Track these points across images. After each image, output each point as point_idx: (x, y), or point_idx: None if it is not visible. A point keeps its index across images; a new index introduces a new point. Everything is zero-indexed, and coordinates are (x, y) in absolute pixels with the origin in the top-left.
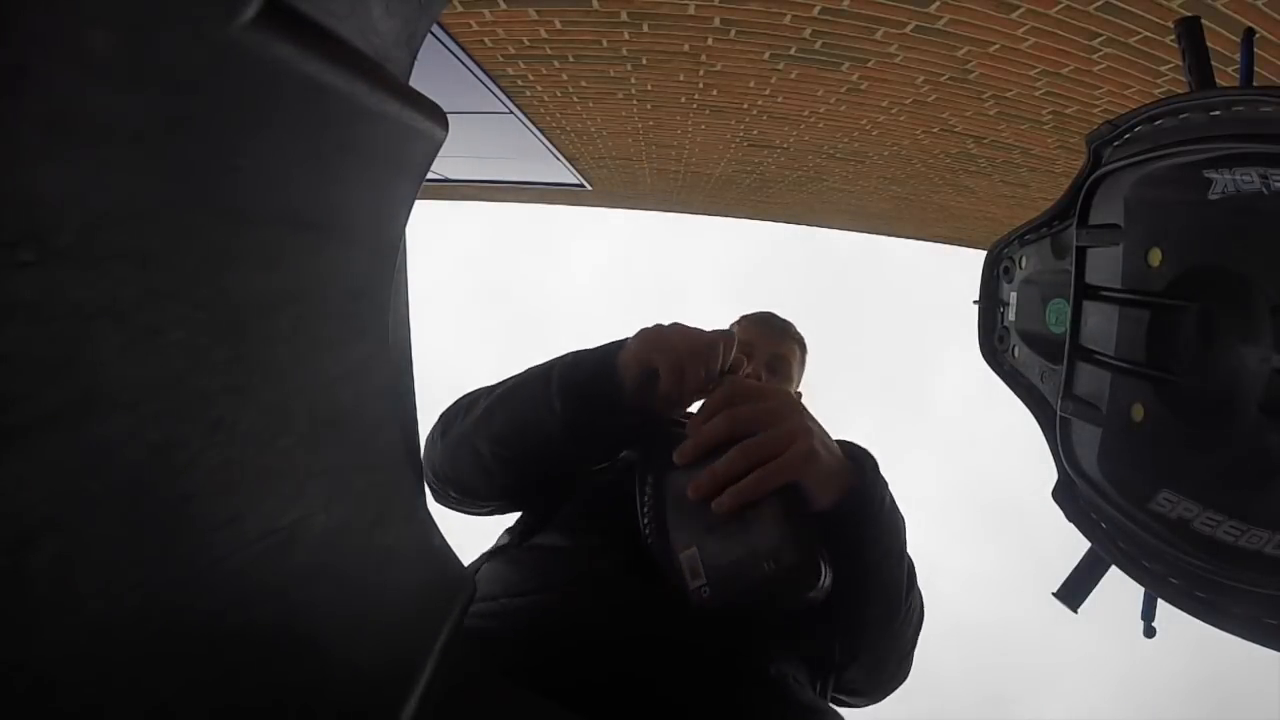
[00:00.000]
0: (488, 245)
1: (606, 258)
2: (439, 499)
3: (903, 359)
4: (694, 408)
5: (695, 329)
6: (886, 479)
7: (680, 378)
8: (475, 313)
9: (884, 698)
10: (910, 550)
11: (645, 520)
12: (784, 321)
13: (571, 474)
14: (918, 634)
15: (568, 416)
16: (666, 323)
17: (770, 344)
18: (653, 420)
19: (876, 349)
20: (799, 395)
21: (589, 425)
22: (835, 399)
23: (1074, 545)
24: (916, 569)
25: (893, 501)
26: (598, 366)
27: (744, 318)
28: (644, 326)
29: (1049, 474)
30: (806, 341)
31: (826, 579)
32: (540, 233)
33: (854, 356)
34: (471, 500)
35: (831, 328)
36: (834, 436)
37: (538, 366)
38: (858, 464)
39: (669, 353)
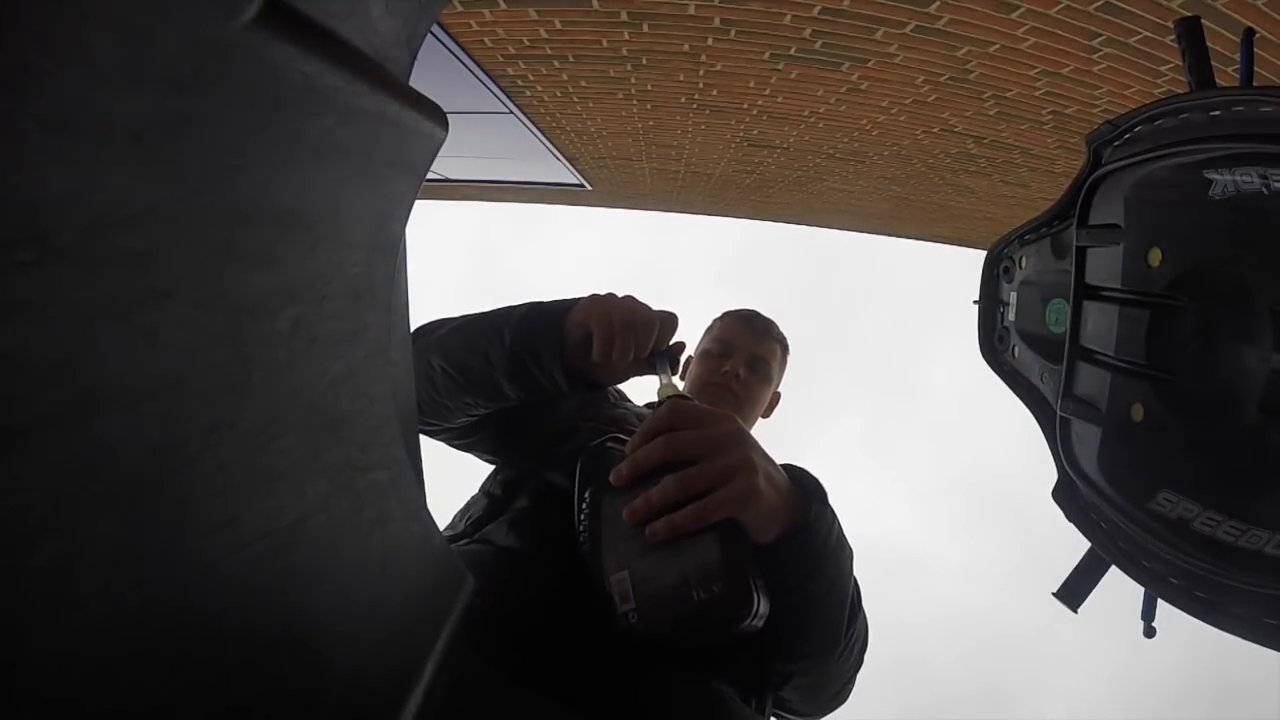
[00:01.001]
0: (487, 245)
1: (606, 256)
2: None
3: (898, 352)
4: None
5: (639, 304)
6: (835, 510)
7: (608, 347)
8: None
9: (823, 718)
10: (855, 574)
11: (582, 538)
12: (766, 320)
13: (512, 435)
14: (860, 662)
15: (511, 350)
16: (620, 294)
17: (751, 343)
18: (587, 384)
19: (872, 342)
20: (778, 396)
21: (524, 366)
22: (833, 389)
23: (1069, 535)
24: (862, 593)
25: (840, 534)
26: (552, 317)
27: (726, 314)
28: (595, 293)
29: (1044, 462)
30: (788, 342)
31: (760, 612)
32: (540, 232)
33: (849, 349)
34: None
35: (827, 322)
36: (780, 462)
37: (517, 304)
38: (804, 496)
39: (604, 321)
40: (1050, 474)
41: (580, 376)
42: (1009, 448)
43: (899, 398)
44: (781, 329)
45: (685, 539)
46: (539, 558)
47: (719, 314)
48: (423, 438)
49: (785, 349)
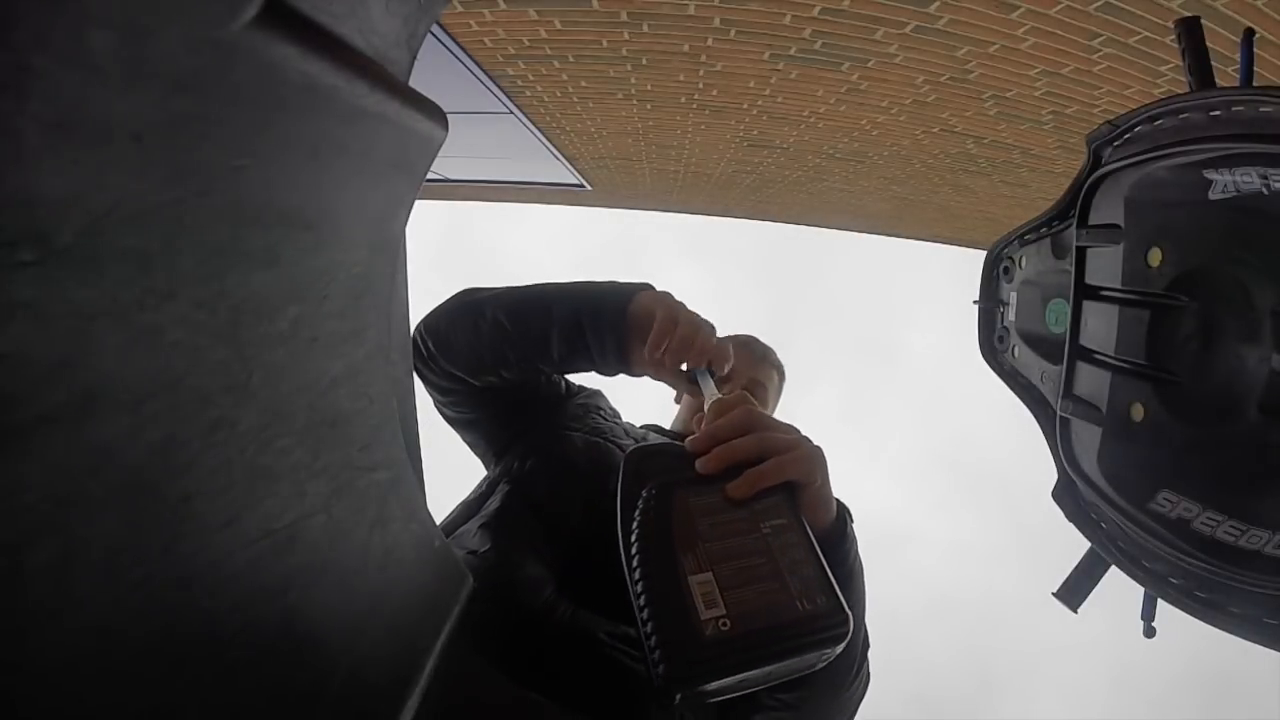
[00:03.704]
0: (487, 244)
1: (606, 255)
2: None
3: (877, 320)
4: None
5: (705, 325)
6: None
7: (663, 340)
8: None
9: None
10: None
11: (635, 536)
12: (764, 347)
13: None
14: (859, 704)
15: (574, 310)
16: (690, 305)
17: (749, 368)
18: (626, 367)
19: (850, 312)
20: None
21: (582, 328)
22: (809, 357)
23: (1056, 514)
24: (871, 641)
25: (861, 561)
26: (622, 293)
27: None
28: (668, 293)
29: (1030, 438)
30: (784, 369)
31: (849, 640)
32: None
33: (829, 322)
34: (440, 366)
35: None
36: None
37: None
38: (840, 510)
39: (668, 317)
40: (1042, 458)
41: (625, 356)
42: (992, 421)
43: (878, 367)
44: (778, 355)
45: (777, 549)
46: (517, 560)
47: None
48: (422, 436)
49: (782, 375)
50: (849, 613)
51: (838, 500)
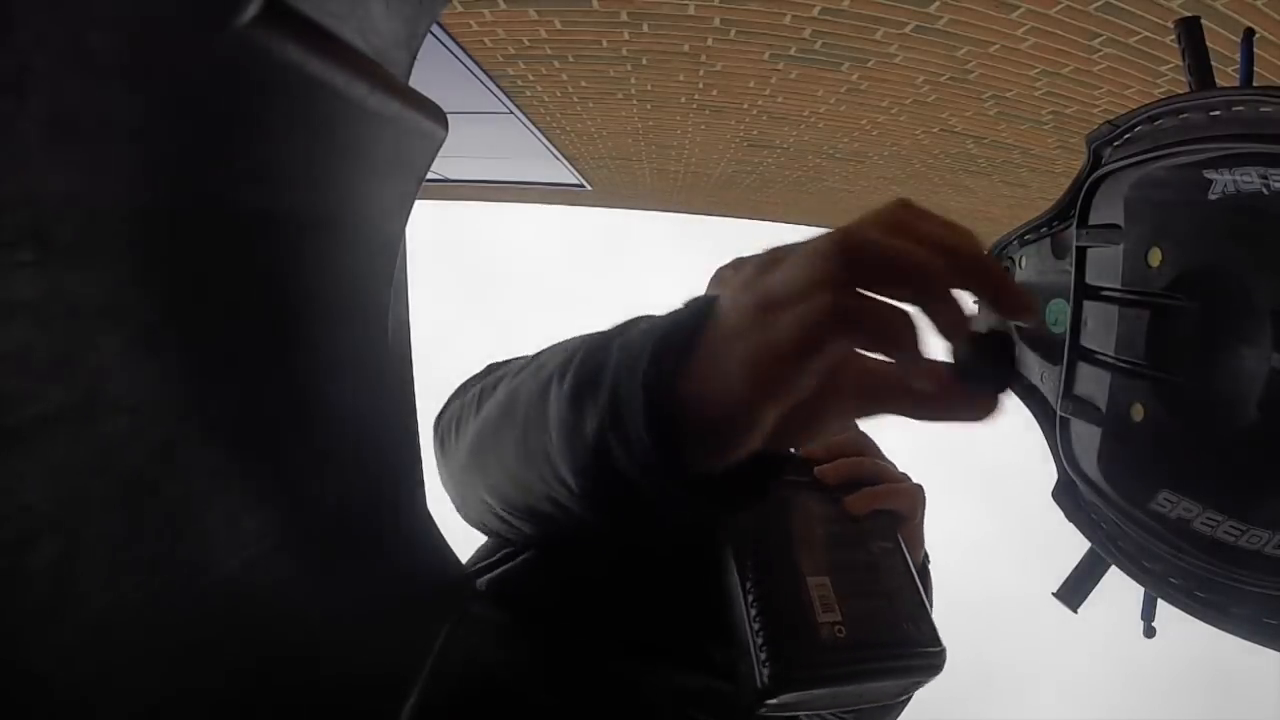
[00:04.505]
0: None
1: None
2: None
3: None
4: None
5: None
6: None
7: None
8: (475, 312)
9: None
10: None
11: (758, 530)
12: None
13: None
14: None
15: (586, 496)
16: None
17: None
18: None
19: None
20: None
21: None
22: None
23: (1057, 517)
24: None
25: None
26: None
27: (741, 261)
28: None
29: (1034, 444)
30: None
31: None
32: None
33: None
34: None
35: None
36: None
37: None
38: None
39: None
40: (1042, 458)
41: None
42: (991, 421)
43: None
44: None
45: (884, 570)
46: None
47: (727, 263)
48: (422, 436)
49: None
50: (944, 647)
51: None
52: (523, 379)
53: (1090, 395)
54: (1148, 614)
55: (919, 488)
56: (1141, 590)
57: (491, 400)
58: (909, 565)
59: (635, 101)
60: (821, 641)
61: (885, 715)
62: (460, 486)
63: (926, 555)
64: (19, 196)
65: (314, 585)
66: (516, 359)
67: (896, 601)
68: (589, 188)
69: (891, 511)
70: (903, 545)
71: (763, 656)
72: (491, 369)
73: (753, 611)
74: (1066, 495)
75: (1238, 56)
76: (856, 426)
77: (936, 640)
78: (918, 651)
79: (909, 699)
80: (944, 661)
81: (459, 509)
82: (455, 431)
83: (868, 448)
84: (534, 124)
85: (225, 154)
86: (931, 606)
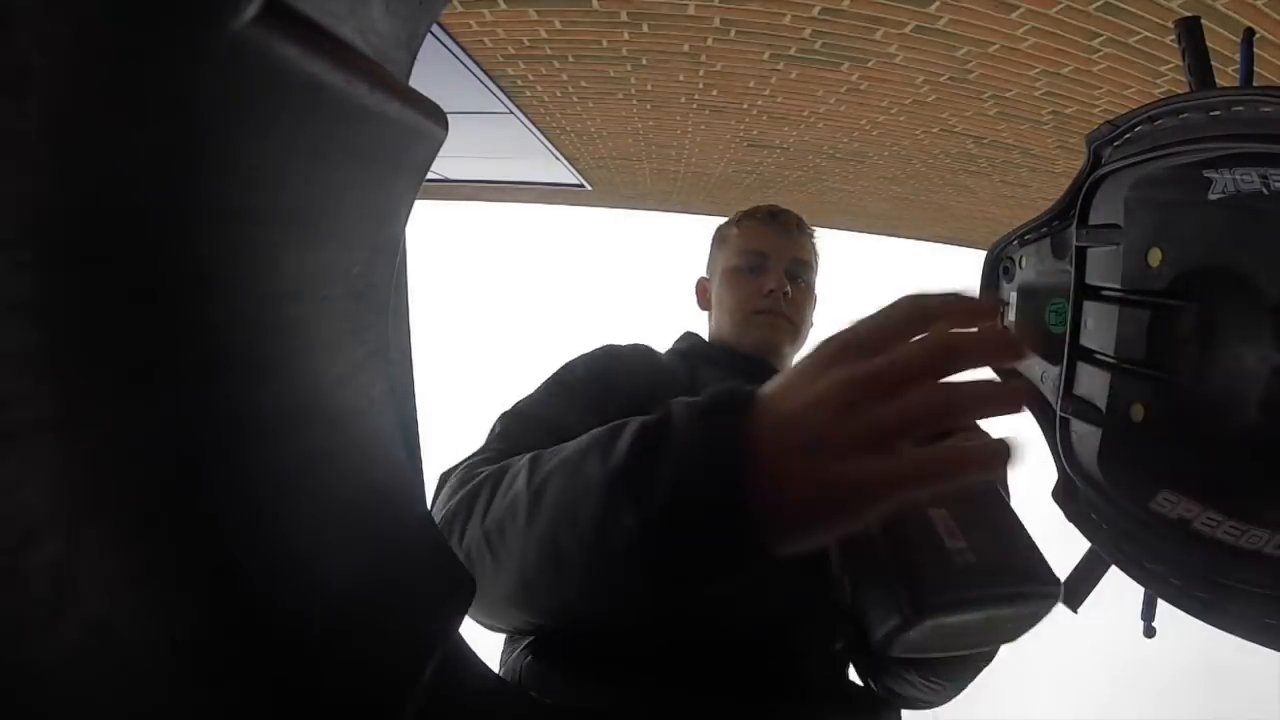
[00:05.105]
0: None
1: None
2: None
3: None
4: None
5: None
6: None
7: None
8: (475, 312)
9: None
10: None
11: None
12: (793, 215)
13: None
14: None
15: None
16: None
17: (787, 246)
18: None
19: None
20: (818, 299)
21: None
22: None
23: (1057, 517)
24: None
25: None
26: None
27: (744, 216)
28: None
29: (1034, 444)
30: (817, 235)
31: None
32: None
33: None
34: None
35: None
36: None
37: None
38: None
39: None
40: (1041, 458)
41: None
42: (991, 421)
43: None
44: (806, 220)
45: (990, 508)
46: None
47: (728, 220)
48: (422, 436)
49: (817, 244)
50: (1060, 581)
51: None
52: (558, 521)
53: (1090, 395)
54: (1148, 614)
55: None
56: (1141, 590)
57: (521, 539)
58: (1010, 504)
59: (635, 101)
60: (955, 566)
61: (970, 671)
62: (493, 610)
63: None
64: (19, 196)
65: (314, 586)
66: (489, 471)
67: (1011, 533)
68: (589, 188)
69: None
70: (1005, 489)
71: (901, 584)
72: (471, 473)
73: (883, 542)
74: (1066, 495)
75: (1238, 56)
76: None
77: (1048, 570)
78: (1040, 578)
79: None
80: (1059, 589)
81: (481, 621)
82: (485, 560)
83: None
84: (534, 124)
85: (224, 153)
86: None
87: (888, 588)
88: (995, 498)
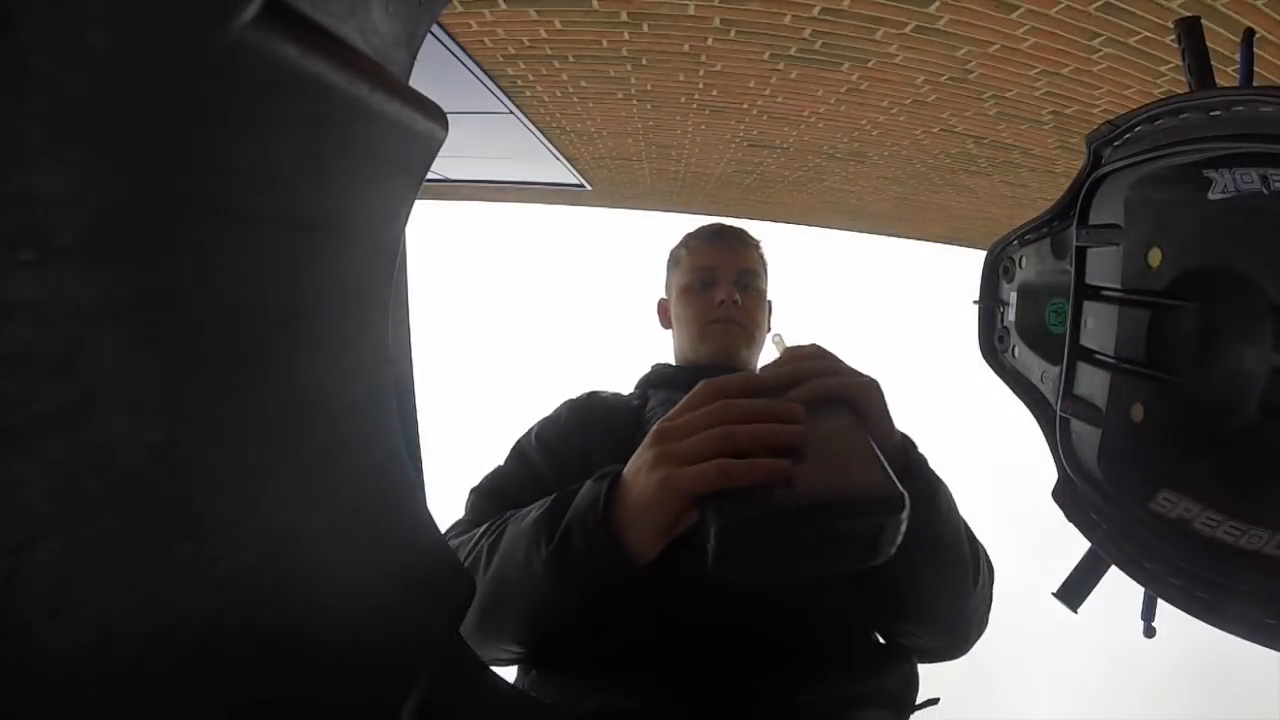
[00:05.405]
0: (485, 245)
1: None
2: None
3: (878, 332)
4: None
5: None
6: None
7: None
8: (475, 312)
9: (960, 655)
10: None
11: None
12: (735, 230)
13: None
14: (989, 598)
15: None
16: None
17: (732, 259)
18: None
19: (862, 333)
20: (770, 305)
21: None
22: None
23: (1057, 517)
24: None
25: (939, 479)
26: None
27: (689, 238)
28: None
29: (1034, 444)
30: (763, 245)
31: (905, 515)
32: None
33: (839, 340)
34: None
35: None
36: None
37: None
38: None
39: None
40: (1041, 458)
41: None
42: (992, 421)
43: (877, 366)
44: (750, 232)
45: (831, 442)
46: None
47: (678, 242)
48: (422, 436)
49: (763, 253)
50: (902, 492)
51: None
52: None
53: (1090, 395)
54: (1148, 614)
55: (869, 379)
56: (1141, 590)
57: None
58: (862, 435)
59: (635, 101)
60: (767, 489)
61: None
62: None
63: (908, 438)
64: (19, 196)
65: (314, 585)
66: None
67: (849, 461)
68: (589, 188)
69: (847, 400)
70: (859, 425)
71: (710, 514)
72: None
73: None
74: (1067, 495)
75: (1238, 56)
76: (816, 344)
77: (888, 483)
78: (867, 497)
79: (893, 543)
80: (898, 500)
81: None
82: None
83: (824, 354)
84: (534, 124)
85: (225, 153)
86: (925, 474)
87: (709, 518)
88: (837, 431)
